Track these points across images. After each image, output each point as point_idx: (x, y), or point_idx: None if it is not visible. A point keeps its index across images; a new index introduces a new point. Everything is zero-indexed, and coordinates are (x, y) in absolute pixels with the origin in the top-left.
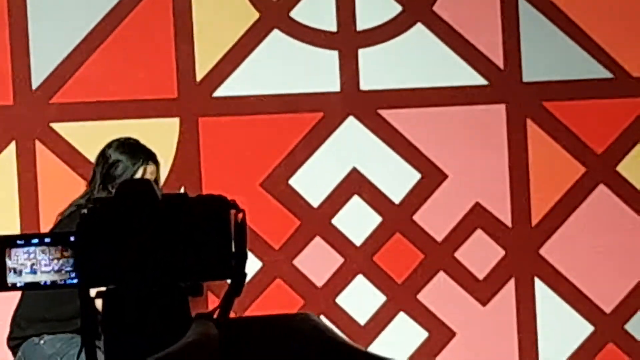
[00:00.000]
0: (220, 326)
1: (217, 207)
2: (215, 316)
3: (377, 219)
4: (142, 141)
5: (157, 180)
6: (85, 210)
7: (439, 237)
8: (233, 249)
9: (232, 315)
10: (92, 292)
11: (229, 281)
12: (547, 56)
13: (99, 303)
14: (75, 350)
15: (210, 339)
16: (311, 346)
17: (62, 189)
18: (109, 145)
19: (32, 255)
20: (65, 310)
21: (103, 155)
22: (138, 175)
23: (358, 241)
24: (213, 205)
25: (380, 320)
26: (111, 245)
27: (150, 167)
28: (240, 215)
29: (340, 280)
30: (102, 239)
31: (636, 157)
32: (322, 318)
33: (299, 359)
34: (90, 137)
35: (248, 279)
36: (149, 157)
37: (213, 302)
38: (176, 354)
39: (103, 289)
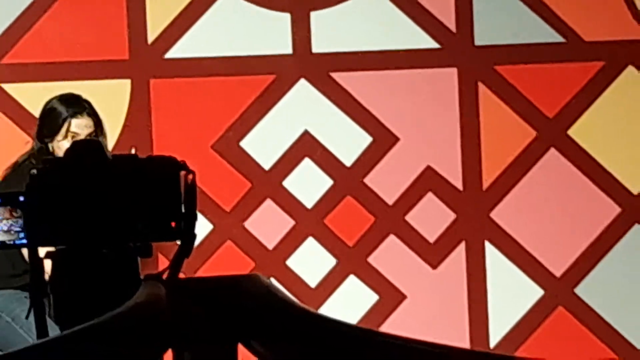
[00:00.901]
0: (169, 287)
1: (167, 168)
2: (164, 277)
3: (328, 182)
4: (93, 102)
5: (98, 134)
6: (34, 171)
7: (390, 201)
8: (183, 210)
9: (181, 276)
10: (41, 252)
11: (178, 242)
12: (499, 20)
13: (47, 263)
14: (17, 306)
15: (159, 300)
16: (260, 307)
17: (12, 150)
18: (51, 99)
19: None
20: (8, 267)
21: (43, 107)
22: (72, 124)
23: (309, 204)
24: (163, 166)
25: (331, 283)
26: (61, 205)
27: (84, 120)
28: (190, 177)
29: (290, 242)
30: (52, 199)
31: (587, 122)
32: (273, 280)
33: (247, 319)
34: (41, 98)
35: (198, 241)
36: (84, 109)
37: (163, 263)
38: (124, 314)
39: (52, 249)
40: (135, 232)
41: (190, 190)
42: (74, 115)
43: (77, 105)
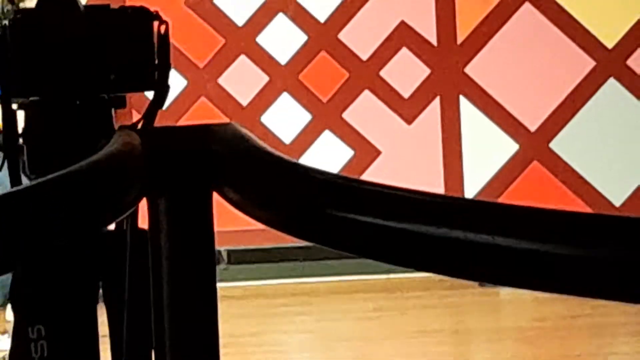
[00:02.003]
0: (143, 135)
1: (140, 18)
2: (138, 127)
3: (302, 38)
4: None
5: None
6: (6, 22)
7: (365, 56)
8: (156, 61)
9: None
10: (14, 105)
11: (151, 94)
12: None
13: (20, 115)
14: None
15: (133, 148)
16: (235, 154)
17: None
18: None
19: None
20: None
21: None
22: None
23: (283, 60)
24: (135, 16)
25: (306, 138)
26: (34, 56)
27: None
28: (163, 27)
29: (265, 99)
30: (24, 50)
31: None
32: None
33: (221, 166)
34: None
35: (173, 97)
36: None
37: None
38: (98, 162)
39: (25, 100)
40: (108, 83)
41: (163, 40)
42: None
43: None
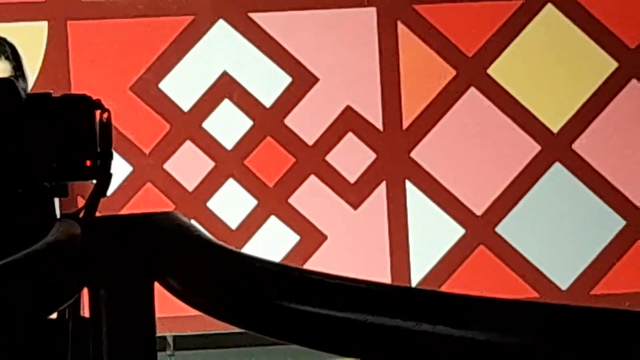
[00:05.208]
0: (85, 225)
1: (82, 107)
2: (80, 216)
3: (248, 123)
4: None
5: (17, 78)
6: None
7: (310, 141)
8: (98, 149)
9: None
10: None
11: (94, 182)
12: None
13: None
14: None
15: (73, 237)
16: (176, 244)
17: None
18: None
19: None
20: None
21: None
22: None
23: (229, 145)
24: (77, 104)
25: (251, 224)
26: None
27: (1, 65)
28: (105, 115)
29: (211, 184)
30: None
31: (507, 60)
32: (193, 222)
33: (163, 256)
34: None
35: (118, 183)
36: (2, 53)
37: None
38: (38, 252)
39: None
40: (50, 172)
41: (105, 128)
42: None
43: None
